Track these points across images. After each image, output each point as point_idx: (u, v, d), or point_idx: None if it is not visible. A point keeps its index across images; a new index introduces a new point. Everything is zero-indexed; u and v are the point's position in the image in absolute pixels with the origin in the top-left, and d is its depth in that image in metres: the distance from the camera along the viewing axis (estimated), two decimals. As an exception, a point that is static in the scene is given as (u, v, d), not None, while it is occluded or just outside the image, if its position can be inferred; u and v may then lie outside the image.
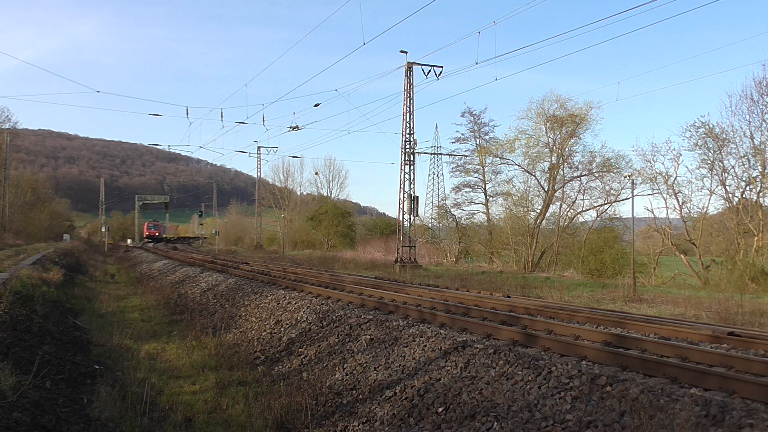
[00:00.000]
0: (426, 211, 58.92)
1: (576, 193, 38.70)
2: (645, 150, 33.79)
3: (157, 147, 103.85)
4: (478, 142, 47.47)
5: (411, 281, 22.13)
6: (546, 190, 39.42)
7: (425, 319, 10.34)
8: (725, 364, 6.51)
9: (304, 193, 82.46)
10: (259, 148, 62.64)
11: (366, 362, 8.83)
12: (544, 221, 39.48)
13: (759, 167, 26.90)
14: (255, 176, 69.80)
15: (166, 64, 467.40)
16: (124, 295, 21.56)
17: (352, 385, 8.28)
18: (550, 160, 39.14)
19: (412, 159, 36.47)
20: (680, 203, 29.95)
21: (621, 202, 36.41)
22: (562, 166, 38.65)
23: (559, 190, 38.89)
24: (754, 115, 26.69)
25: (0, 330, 9.15)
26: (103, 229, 73.50)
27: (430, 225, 54.30)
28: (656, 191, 30.95)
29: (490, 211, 45.58)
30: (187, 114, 36.64)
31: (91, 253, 52.56)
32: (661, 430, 4.89)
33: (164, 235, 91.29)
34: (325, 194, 75.08)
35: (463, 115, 48.27)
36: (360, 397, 7.86)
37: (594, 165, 37.68)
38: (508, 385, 6.56)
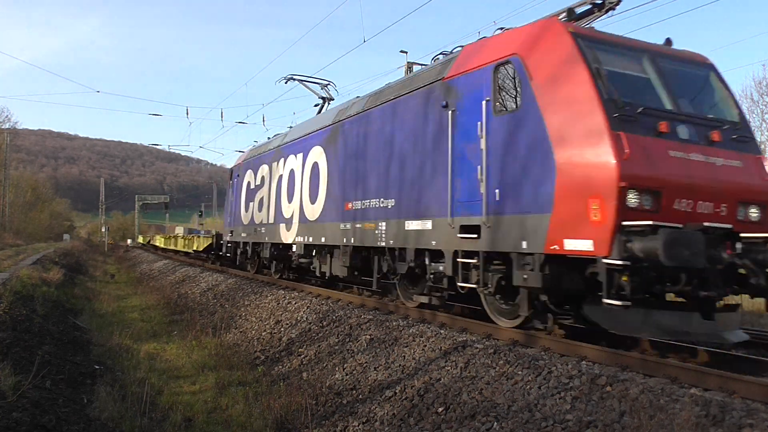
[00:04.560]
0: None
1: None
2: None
3: (157, 147, 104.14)
4: (478, 142, 47.53)
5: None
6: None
7: (425, 319, 10.34)
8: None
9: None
10: (259, 147, 62.52)
11: (366, 362, 8.83)
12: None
13: (759, 167, 26.93)
14: (255, 176, 69.53)
15: (166, 64, 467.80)
16: (124, 295, 21.57)
17: (352, 385, 8.27)
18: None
19: (412, 159, 36.45)
20: (680, 203, 29.95)
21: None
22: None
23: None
24: (754, 115, 26.68)
25: (0, 330, 9.14)
26: (103, 229, 73.53)
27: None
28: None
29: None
30: (187, 114, 36.64)
31: (91, 253, 52.57)
32: (661, 430, 4.89)
33: None
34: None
35: (463, 115, 48.34)
36: (360, 397, 7.85)
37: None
38: (508, 385, 6.56)
